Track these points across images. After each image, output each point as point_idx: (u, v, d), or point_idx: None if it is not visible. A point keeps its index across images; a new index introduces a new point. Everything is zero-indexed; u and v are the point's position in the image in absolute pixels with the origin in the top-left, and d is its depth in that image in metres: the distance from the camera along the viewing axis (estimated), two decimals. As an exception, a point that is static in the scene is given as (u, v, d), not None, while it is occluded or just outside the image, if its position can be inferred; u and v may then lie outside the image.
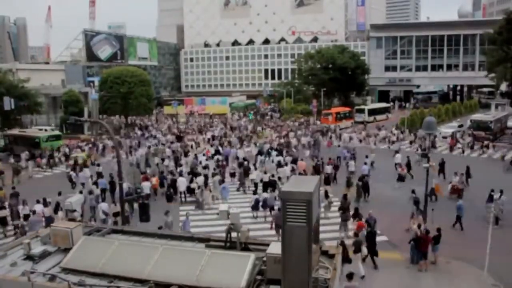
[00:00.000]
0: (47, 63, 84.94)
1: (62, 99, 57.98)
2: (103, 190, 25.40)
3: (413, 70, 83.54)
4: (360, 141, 43.12)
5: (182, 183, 25.44)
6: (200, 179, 25.76)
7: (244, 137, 44.31)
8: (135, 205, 21.12)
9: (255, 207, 22.05)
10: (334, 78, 66.22)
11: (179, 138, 44.56)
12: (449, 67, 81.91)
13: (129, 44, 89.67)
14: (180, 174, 27.06)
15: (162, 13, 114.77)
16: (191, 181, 26.07)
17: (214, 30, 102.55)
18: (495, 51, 51.57)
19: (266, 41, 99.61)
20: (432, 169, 24.22)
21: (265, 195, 22.55)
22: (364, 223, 18.10)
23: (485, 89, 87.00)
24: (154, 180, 26.71)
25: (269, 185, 24.61)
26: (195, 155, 34.64)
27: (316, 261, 6.36)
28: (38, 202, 21.17)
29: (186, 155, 35.02)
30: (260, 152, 34.22)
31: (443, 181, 26.10)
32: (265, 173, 26.61)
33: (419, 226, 16.58)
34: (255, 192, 23.45)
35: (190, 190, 25.52)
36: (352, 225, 19.22)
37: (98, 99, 59.39)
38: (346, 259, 14.07)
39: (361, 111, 61.54)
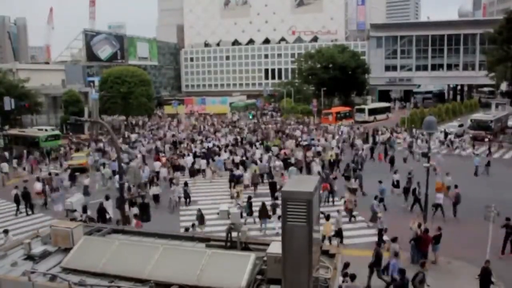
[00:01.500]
0: (47, 63, 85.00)
1: (62, 99, 57.98)
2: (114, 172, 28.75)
3: (413, 69, 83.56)
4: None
5: (189, 161, 31.26)
6: (203, 162, 31.19)
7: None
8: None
9: (231, 181, 26.76)
10: (334, 78, 66.22)
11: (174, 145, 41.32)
12: (449, 67, 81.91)
13: (129, 44, 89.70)
14: (188, 155, 33.07)
15: (162, 13, 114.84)
16: (194, 163, 31.21)
17: (214, 29, 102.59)
18: (495, 51, 51.57)
19: (266, 41, 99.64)
20: (435, 169, 24.32)
21: (239, 172, 27.46)
22: (327, 184, 23.64)
23: (485, 89, 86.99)
24: (164, 159, 32.40)
25: (241, 164, 29.67)
26: (201, 141, 41.19)
27: (317, 261, 6.36)
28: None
29: (177, 168, 31.35)
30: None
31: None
32: (236, 155, 32.79)
33: (419, 226, 16.59)
34: (232, 170, 28.37)
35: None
36: None
37: (98, 99, 59.42)
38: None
39: (362, 110, 61.55)
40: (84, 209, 21.21)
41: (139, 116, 66.31)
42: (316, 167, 28.31)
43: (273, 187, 24.83)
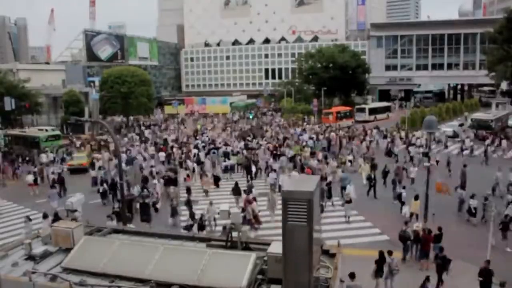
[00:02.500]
0: (48, 63, 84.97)
1: (63, 99, 58.01)
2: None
3: (413, 69, 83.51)
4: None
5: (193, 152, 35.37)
6: (201, 154, 34.92)
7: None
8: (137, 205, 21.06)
9: (225, 171, 30.60)
10: (334, 78, 66.17)
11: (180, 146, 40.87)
12: (449, 66, 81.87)
13: (130, 44, 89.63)
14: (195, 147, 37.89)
15: (162, 13, 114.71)
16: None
17: (215, 29, 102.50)
18: (496, 50, 51.52)
19: (267, 41, 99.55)
20: (435, 168, 24.25)
21: (229, 161, 31.76)
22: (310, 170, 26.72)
23: (485, 88, 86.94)
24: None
25: (225, 155, 34.10)
26: (196, 136, 46.06)
27: (317, 260, 6.36)
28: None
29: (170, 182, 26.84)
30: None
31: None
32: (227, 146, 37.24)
33: (406, 222, 16.65)
34: (224, 160, 32.30)
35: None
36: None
37: (99, 99, 59.41)
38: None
39: (362, 110, 61.53)
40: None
41: (150, 116, 67.03)
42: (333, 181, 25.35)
43: (248, 170, 29.27)
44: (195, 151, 36.01)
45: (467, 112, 56.70)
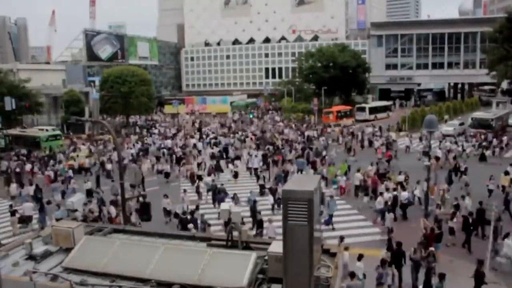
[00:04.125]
0: (48, 63, 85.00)
1: (63, 99, 58.00)
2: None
3: (413, 68, 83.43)
4: None
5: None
6: (199, 144, 39.48)
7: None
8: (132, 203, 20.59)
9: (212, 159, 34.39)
10: (334, 77, 66.09)
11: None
12: (450, 65, 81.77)
13: (130, 44, 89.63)
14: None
15: (162, 13, 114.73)
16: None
17: (215, 29, 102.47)
18: (496, 49, 51.40)
19: (267, 40, 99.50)
20: (433, 169, 24.15)
21: (216, 149, 37.22)
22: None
23: (486, 87, 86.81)
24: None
25: (215, 145, 39.57)
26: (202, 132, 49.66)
27: (318, 260, 6.36)
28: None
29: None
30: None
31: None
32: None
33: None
34: (212, 148, 38.08)
35: None
36: None
37: (99, 99, 59.39)
38: None
39: (362, 109, 61.48)
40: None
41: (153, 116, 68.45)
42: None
43: (226, 151, 35.56)
44: (194, 141, 39.96)
45: (447, 116, 55.47)
